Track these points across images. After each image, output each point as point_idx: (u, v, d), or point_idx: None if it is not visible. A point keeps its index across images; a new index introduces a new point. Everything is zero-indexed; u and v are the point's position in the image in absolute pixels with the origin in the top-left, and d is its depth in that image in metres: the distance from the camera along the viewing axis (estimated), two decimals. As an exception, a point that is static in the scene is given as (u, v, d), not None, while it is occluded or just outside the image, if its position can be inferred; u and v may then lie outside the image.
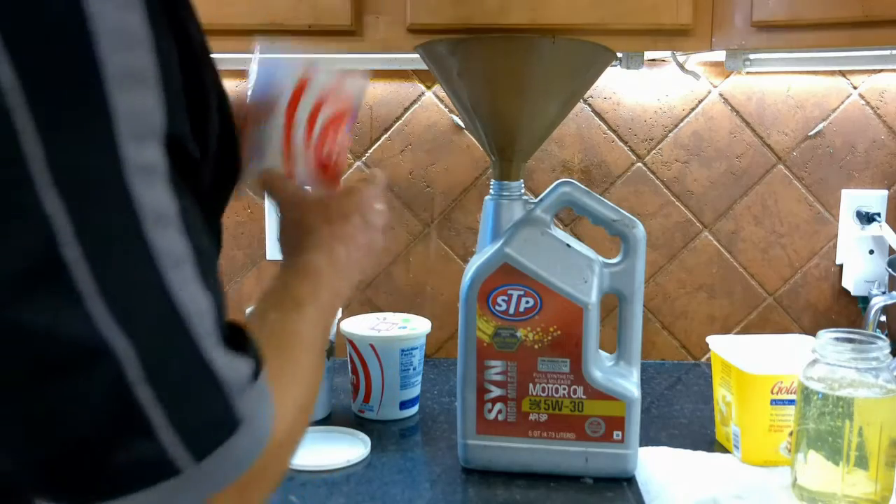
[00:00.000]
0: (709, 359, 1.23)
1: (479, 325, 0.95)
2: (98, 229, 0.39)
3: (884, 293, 1.17)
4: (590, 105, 1.35)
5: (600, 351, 0.97)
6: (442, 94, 1.34)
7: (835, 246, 1.37)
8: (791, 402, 0.94)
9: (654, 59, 1.32)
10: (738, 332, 1.39)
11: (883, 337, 0.87)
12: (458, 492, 0.94)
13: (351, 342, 1.14)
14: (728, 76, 1.33)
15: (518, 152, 0.97)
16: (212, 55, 0.49)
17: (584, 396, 0.95)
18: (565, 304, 0.93)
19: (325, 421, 1.14)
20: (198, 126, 0.46)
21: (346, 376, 1.19)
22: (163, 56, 0.42)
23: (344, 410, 1.18)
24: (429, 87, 1.35)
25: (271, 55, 0.80)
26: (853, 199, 1.35)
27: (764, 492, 0.92)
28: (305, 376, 0.56)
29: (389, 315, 1.22)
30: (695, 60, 1.31)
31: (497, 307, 0.94)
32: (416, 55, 0.98)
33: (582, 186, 0.97)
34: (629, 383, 0.95)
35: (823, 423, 0.86)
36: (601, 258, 0.97)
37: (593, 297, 0.94)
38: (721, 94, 1.34)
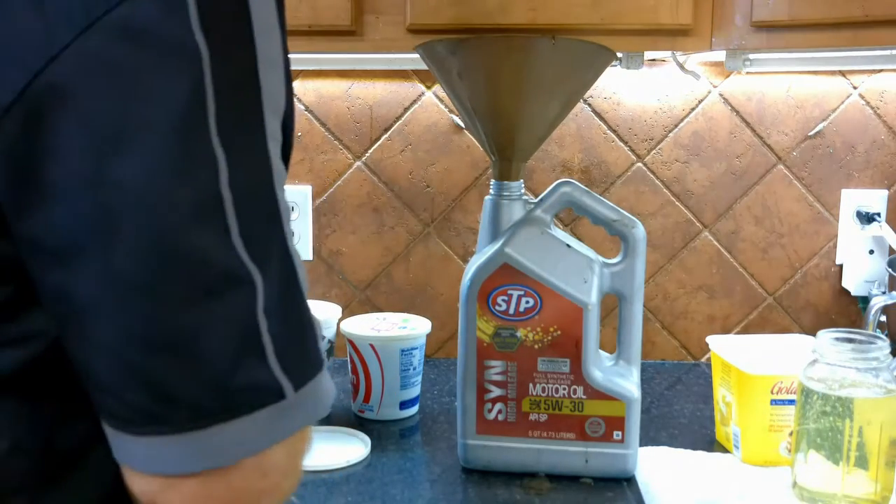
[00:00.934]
0: (709, 359, 1.23)
1: (479, 325, 0.95)
2: (243, 177, 0.45)
3: (884, 293, 1.17)
4: (590, 105, 1.35)
5: (600, 351, 0.97)
6: (442, 94, 1.34)
7: (835, 246, 1.37)
8: (791, 402, 0.94)
9: (654, 59, 1.32)
10: (738, 332, 1.39)
11: (883, 337, 0.87)
12: (458, 492, 0.94)
13: (351, 342, 1.14)
14: (728, 76, 1.33)
15: (518, 152, 0.97)
16: None
17: (584, 396, 0.95)
18: (565, 304, 0.93)
19: (326, 421, 1.14)
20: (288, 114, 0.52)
21: (346, 376, 1.19)
22: (284, 46, 0.50)
23: (344, 410, 1.18)
24: (429, 87, 1.35)
25: None
26: (853, 199, 1.35)
27: (764, 492, 0.92)
28: None
29: (389, 315, 1.22)
30: (695, 60, 1.31)
31: (497, 307, 0.94)
32: (416, 55, 0.98)
33: (582, 186, 0.97)
34: (629, 383, 0.95)
35: (823, 423, 0.86)
36: (601, 258, 0.97)
37: (593, 297, 0.94)
38: (721, 94, 1.34)
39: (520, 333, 0.95)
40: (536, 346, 0.94)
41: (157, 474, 0.46)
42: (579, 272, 0.94)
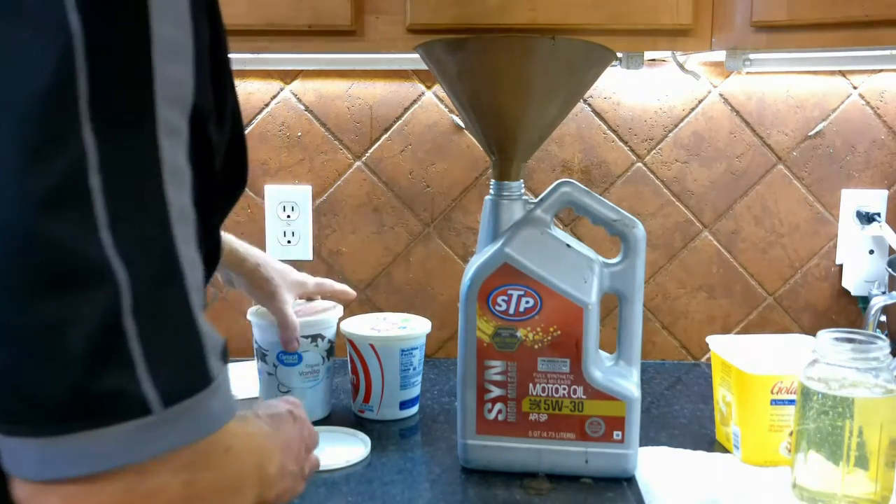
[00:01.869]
0: (709, 359, 1.23)
1: (479, 325, 0.95)
2: (120, 167, 0.42)
3: (884, 293, 1.17)
4: (590, 105, 1.35)
5: (600, 351, 0.97)
6: (442, 94, 1.34)
7: (835, 246, 1.37)
8: (791, 402, 0.94)
9: (654, 59, 1.32)
10: (738, 332, 1.39)
11: (883, 337, 0.87)
12: (458, 492, 0.94)
13: (351, 342, 1.14)
14: (728, 76, 1.33)
15: (518, 152, 0.97)
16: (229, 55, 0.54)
17: (584, 396, 0.95)
18: (565, 304, 0.93)
19: (326, 421, 1.14)
20: (217, 117, 0.49)
21: (346, 376, 1.19)
22: (199, 40, 0.46)
23: (344, 410, 1.18)
24: (429, 87, 1.35)
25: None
26: (853, 199, 1.35)
27: (764, 492, 0.92)
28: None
29: (389, 315, 1.22)
30: (695, 60, 1.31)
31: (497, 307, 0.94)
32: (416, 55, 0.98)
33: (582, 186, 0.97)
34: (629, 383, 0.95)
35: (823, 423, 0.86)
36: (601, 258, 0.97)
37: (593, 297, 0.94)
38: (721, 94, 1.34)
39: (520, 333, 0.95)
40: (536, 346, 0.94)
41: (25, 479, 0.42)
42: (579, 272, 0.94)
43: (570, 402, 0.95)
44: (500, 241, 0.95)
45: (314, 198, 1.38)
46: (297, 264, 1.40)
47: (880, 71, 1.32)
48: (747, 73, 1.31)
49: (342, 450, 1.03)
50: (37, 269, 0.40)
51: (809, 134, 1.34)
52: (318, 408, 1.15)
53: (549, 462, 0.96)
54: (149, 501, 0.43)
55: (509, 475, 0.96)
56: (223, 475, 0.48)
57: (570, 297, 0.93)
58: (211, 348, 0.46)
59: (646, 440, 1.03)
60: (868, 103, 1.33)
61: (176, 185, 0.44)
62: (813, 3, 0.98)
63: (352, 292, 1.19)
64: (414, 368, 1.15)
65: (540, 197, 0.98)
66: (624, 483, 0.95)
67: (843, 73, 1.33)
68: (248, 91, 1.35)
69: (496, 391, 0.96)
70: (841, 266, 1.38)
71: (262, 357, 1.14)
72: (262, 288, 1.10)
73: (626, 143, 1.35)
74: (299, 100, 1.35)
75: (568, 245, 0.96)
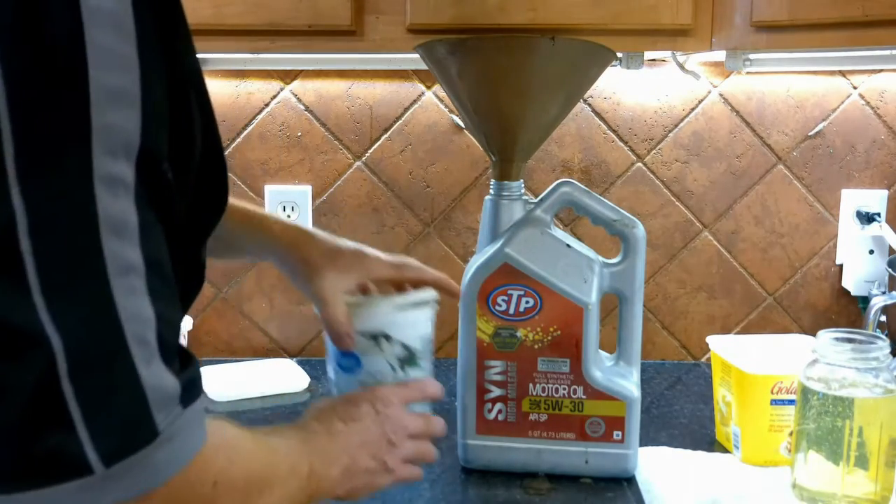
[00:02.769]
0: (709, 359, 1.23)
1: (479, 325, 0.95)
2: (52, 228, 0.41)
3: (884, 293, 1.17)
4: (590, 105, 1.35)
5: (600, 351, 0.97)
6: (442, 94, 1.34)
7: (835, 246, 1.37)
8: (791, 402, 0.94)
9: (654, 59, 1.32)
10: (738, 332, 1.39)
11: (883, 337, 0.87)
12: (458, 492, 0.94)
13: (351, 342, 1.13)
14: (728, 76, 1.33)
15: (518, 152, 0.97)
16: (204, 81, 0.52)
17: (584, 396, 0.95)
18: (565, 304, 0.93)
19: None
20: (179, 149, 0.48)
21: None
22: (148, 82, 0.44)
23: (344, 410, 1.18)
24: (429, 87, 1.35)
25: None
26: (853, 199, 1.35)
27: (764, 492, 0.92)
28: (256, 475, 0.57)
29: (389, 315, 1.21)
30: (695, 60, 1.31)
31: (497, 307, 0.94)
32: (416, 55, 0.98)
33: (582, 186, 0.97)
34: (629, 383, 0.95)
35: (823, 423, 0.86)
36: (601, 258, 0.97)
37: (593, 297, 0.94)
38: (721, 94, 1.34)
39: (520, 333, 0.94)
40: (536, 346, 0.94)
41: None
42: (579, 272, 0.94)
43: (570, 402, 0.95)
44: (500, 241, 0.95)
45: (314, 198, 1.38)
46: (297, 264, 1.40)
47: (880, 71, 1.32)
48: (747, 73, 1.31)
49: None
50: None
51: (809, 134, 1.34)
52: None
53: (549, 462, 0.96)
54: None
55: (509, 475, 0.96)
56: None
57: (570, 297, 0.93)
58: (159, 399, 0.45)
59: (646, 440, 1.03)
60: (868, 103, 1.33)
61: (117, 236, 0.43)
62: (813, 3, 0.98)
63: (455, 286, 0.87)
64: (414, 368, 1.13)
65: (540, 197, 0.98)
66: (624, 483, 0.95)
67: (843, 73, 1.33)
68: (248, 91, 1.35)
69: (496, 391, 0.96)
70: (841, 266, 1.37)
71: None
72: (297, 272, 0.86)
73: (626, 143, 1.35)
74: (299, 100, 1.35)
75: (568, 245, 0.96)
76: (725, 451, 1.03)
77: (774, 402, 0.96)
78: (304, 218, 1.37)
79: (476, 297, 0.95)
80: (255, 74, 1.34)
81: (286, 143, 1.36)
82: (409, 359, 0.83)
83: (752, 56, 1.24)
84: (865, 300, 1.29)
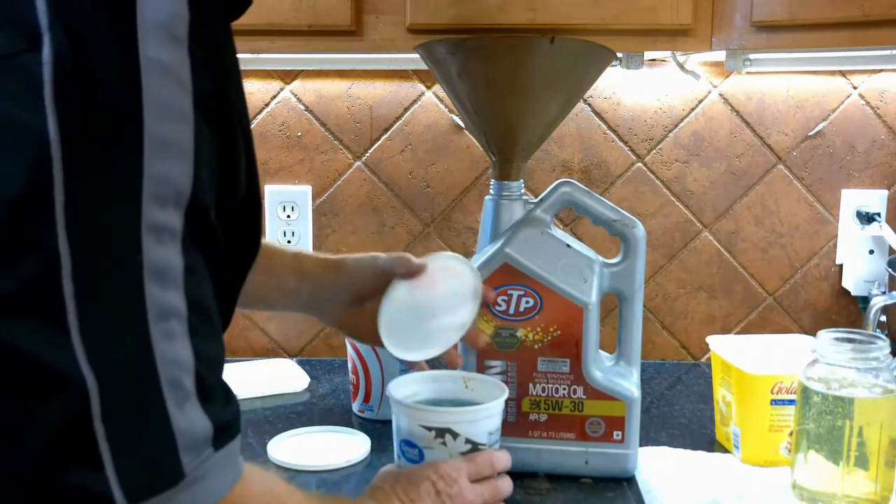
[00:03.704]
0: (709, 359, 1.23)
1: (479, 325, 0.95)
2: (94, 273, 0.42)
3: (884, 293, 1.17)
4: (590, 105, 1.35)
5: (600, 351, 0.97)
6: (442, 94, 1.34)
7: (835, 246, 1.37)
8: (791, 402, 0.94)
9: (654, 59, 1.32)
10: (738, 332, 1.39)
11: (883, 337, 0.87)
12: (458, 492, 0.94)
13: (351, 342, 1.14)
14: (728, 76, 1.33)
15: (518, 152, 0.97)
16: (249, 120, 0.54)
17: (584, 396, 0.95)
18: (565, 304, 0.93)
19: (326, 421, 1.14)
20: (225, 193, 0.49)
21: (346, 376, 1.19)
22: (201, 135, 0.46)
23: (344, 410, 1.18)
24: (429, 87, 1.35)
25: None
26: (853, 199, 1.35)
27: (764, 492, 0.92)
28: None
29: (389, 315, 1.22)
30: (695, 60, 1.31)
31: (497, 307, 0.94)
32: (416, 55, 0.98)
33: (582, 186, 0.97)
34: (629, 383, 0.95)
35: (823, 423, 0.86)
36: (601, 258, 0.97)
37: (593, 297, 0.94)
38: (721, 94, 1.34)
39: (520, 333, 0.94)
40: (536, 346, 0.94)
41: None
42: (579, 272, 0.94)
43: (570, 402, 0.95)
44: (500, 241, 0.95)
45: (314, 198, 1.38)
46: (297, 264, 1.40)
47: (880, 71, 1.32)
48: (747, 73, 1.31)
49: (342, 450, 1.02)
50: (1, 373, 0.41)
51: (809, 134, 1.34)
52: None
53: (549, 462, 0.96)
54: None
55: (509, 475, 0.96)
56: None
57: (570, 297, 0.93)
58: (188, 442, 0.46)
59: (646, 440, 1.03)
60: (868, 103, 1.33)
61: (160, 283, 0.44)
62: (813, 3, 0.98)
63: (459, 358, 0.92)
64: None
65: (540, 197, 0.98)
66: (624, 483, 0.95)
67: (843, 73, 1.33)
68: (248, 91, 1.33)
69: (496, 391, 0.96)
70: (841, 266, 1.37)
71: None
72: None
73: (626, 142, 1.35)
74: (299, 100, 1.35)
75: (568, 245, 0.96)
76: (725, 451, 1.03)
77: (774, 402, 0.96)
78: (304, 218, 1.37)
79: (476, 297, 0.95)
80: (254, 74, 1.34)
81: (286, 143, 1.36)
82: (473, 453, 0.81)
83: (752, 56, 1.25)
84: (865, 300, 1.29)
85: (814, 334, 0.90)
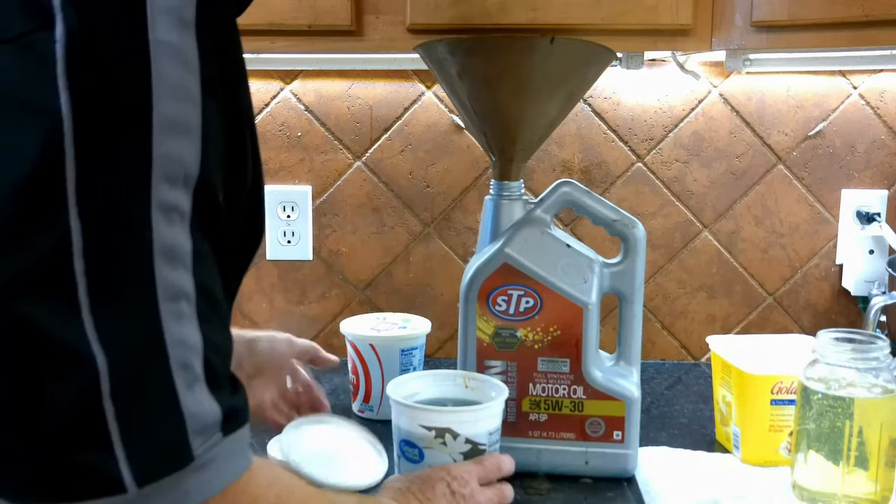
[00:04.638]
0: (709, 359, 1.23)
1: (479, 325, 0.95)
2: (105, 251, 0.42)
3: (884, 293, 1.17)
4: (590, 105, 1.35)
5: (600, 351, 0.97)
6: (442, 94, 1.34)
7: (835, 246, 1.37)
8: (791, 402, 0.94)
9: (654, 59, 1.32)
10: (738, 332, 1.39)
11: (883, 337, 0.87)
12: (458, 492, 0.94)
13: (351, 342, 1.14)
14: (728, 76, 1.33)
15: (518, 152, 0.97)
16: (254, 119, 0.54)
17: (584, 396, 0.95)
18: (565, 304, 0.93)
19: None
20: (232, 182, 0.50)
21: (346, 376, 1.19)
22: (208, 115, 0.46)
23: (344, 410, 1.18)
24: (429, 87, 1.35)
25: None
26: (853, 199, 1.35)
27: (764, 492, 0.92)
28: None
29: (389, 315, 1.22)
30: (695, 60, 1.31)
31: (497, 307, 0.94)
32: (416, 55, 0.98)
33: (582, 186, 0.97)
34: (629, 383, 0.95)
35: (823, 423, 0.86)
36: (601, 258, 0.97)
37: (593, 297, 0.94)
38: (721, 94, 1.34)
39: (520, 333, 0.94)
40: (536, 346, 0.94)
41: None
42: (579, 272, 0.94)
43: (570, 402, 0.95)
44: (500, 241, 0.95)
45: (314, 198, 1.38)
46: (297, 264, 1.40)
47: (880, 71, 1.32)
48: (747, 73, 1.31)
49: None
50: (8, 349, 0.41)
51: (809, 134, 1.34)
52: None
53: (549, 462, 0.96)
54: None
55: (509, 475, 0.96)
56: None
57: (570, 297, 0.93)
58: (198, 425, 0.46)
59: (646, 440, 1.03)
60: (868, 103, 1.33)
61: (170, 262, 0.44)
62: (813, 3, 0.98)
63: (326, 405, 1.03)
64: (414, 368, 1.15)
65: (540, 197, 0.98)
66: (624, 483, 0.95)
67: (843, 73, 1.33)
68: (248, 91, 1.35)
69: (496, 391, 0.96)
70: (841, 266, 1.37)
71: None
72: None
73: (626, 143, 1.35)
74: (299, 100, 1.35)
75: (568, 245, 0.96)
76: (725, 451, 1.03)
77: (774, 402, 0.96)
78: (304, 218, 1.38)
79: (476, 297, 0.95)
80: (254, 74, 1.34)
81: (286, 143, 1.36)
82: (473, 452, 0.83)
83: (752, 56, 1.25)
84: (865, 300, 1.29)
85: (814, 334, 0.90)
